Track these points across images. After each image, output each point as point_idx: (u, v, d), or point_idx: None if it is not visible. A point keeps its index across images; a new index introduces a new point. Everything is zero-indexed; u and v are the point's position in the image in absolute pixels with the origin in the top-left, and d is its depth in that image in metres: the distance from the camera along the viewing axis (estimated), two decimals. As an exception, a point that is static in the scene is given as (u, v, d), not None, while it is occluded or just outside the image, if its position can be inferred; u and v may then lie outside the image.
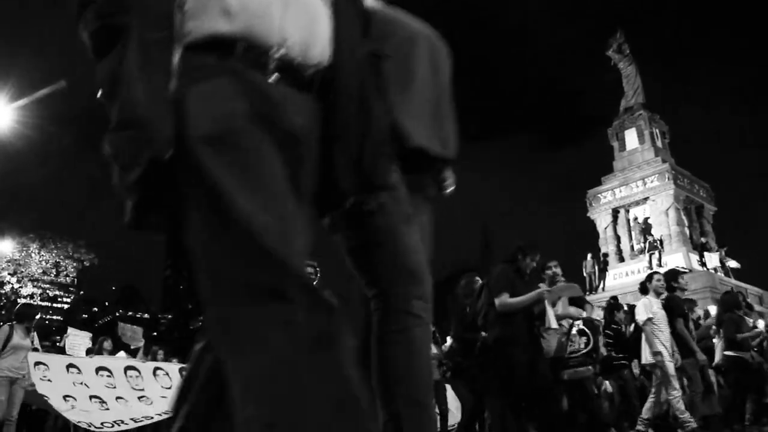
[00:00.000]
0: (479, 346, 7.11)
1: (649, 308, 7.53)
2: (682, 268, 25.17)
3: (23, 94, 17.46)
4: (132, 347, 12.47)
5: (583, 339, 7.47)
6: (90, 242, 32.09)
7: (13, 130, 18.36)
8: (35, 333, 9.67)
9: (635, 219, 28.73)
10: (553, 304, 6.62)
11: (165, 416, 9.46)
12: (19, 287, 27.66)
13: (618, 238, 29.27)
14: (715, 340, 9.72)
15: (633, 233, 28.65)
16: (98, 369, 9.51)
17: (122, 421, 8.91)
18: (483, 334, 6.79)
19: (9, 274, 28.53)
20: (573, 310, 7.25)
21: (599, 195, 30.13)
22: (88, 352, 11.37)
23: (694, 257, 26.32)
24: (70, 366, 9.19)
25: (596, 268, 27.51)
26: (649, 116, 30.60)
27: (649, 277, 8.08)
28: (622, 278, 26.67)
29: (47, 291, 30.75)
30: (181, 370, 10.72)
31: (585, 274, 27.93)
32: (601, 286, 26.85)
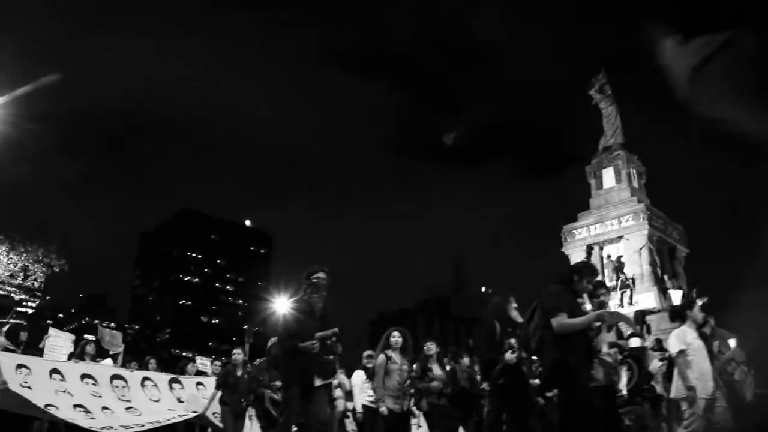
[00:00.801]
0: (499, 369, 7.02)
1: (682, 339, 7.08)
2: (653, 308, 25.46)
3: (3, 91, 17.28)
4: (111, 353, 11.79)
5: (627, 371, 7.07)
6: (61, 248, 31.47)
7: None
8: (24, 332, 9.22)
9: (609, 257, 29.00)
10: (608, 329, 6.34)
11: (157, 425, 9.18)
12: (-15, 289, 27.15)
13: (591, 275, 29.47)
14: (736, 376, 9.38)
15: (606, 270, 28.86)
16: (83, 376, 8.91)
17: (111, 428, 8.40)
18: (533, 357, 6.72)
19: (-26, 275, 28.02)
20: (623, 341, 6.84)
21: (574, 231, 30.41)
22: (70, 356, 10.69)
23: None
24: (53, 371, 8.59)
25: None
26: (627, 156, 31.07)
27: (690, 305, 7.59)
28: (593, 315, 26.80)
29: (13, 295, 30.06)
30: (171, 381, 10.27)
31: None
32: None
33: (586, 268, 6.12)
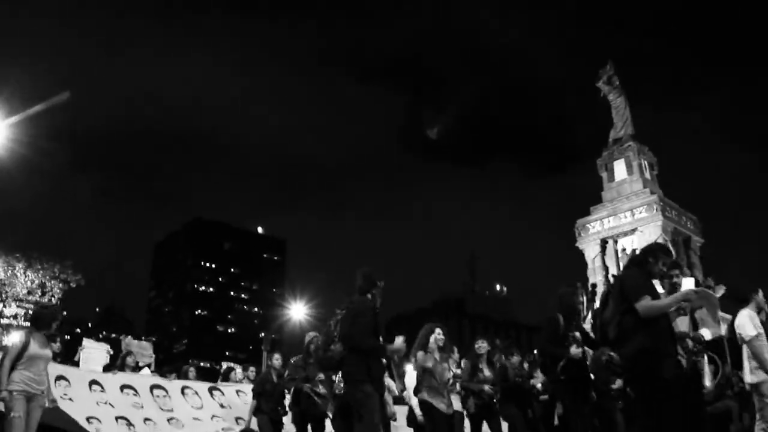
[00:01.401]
0: (562, 364, 6.76)
1: (754, 322, 6.77)
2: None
3: (15, 111, 17.43)
4: (140, 364, 11.25)
5: (709, 364, 6.49)
6: (77, 262, 31.73)
7: (4, 147, 18.30)
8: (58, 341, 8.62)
9: (623, 249, 28.86)
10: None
11: None
12: (3, 308, 27.37)
13: (606, 269, 29.38)
14: None
15: (621, 264, 28.74)
16: (123, 387, 8.67)
17: None
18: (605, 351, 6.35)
19: (-7, 293, 28.25)
20: (706, 330, 6.52)
21: (588, 225, 30.32)
22: (106, 368, 10.34)
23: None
24: (93, 383, 8.35)
25: (584, 298, 27.55)
26: (638, 148, 30.95)
27: (754, 288, 7.21)
28: (610, 308, 26.70)
29: (30, 311, 30.26)
30: (210, 389, 10.06)
31: (573, 304, 27.96)
32: (589, 316, 26.87)
33: (661, 250, 5.85)
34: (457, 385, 8.92)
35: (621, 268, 28.56)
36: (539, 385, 9.57)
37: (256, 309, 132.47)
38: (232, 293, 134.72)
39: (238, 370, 13.61)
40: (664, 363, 5.07)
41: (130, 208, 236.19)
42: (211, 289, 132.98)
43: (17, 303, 28.84)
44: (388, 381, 10.14)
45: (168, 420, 8.62)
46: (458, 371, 9.32)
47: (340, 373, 6.67)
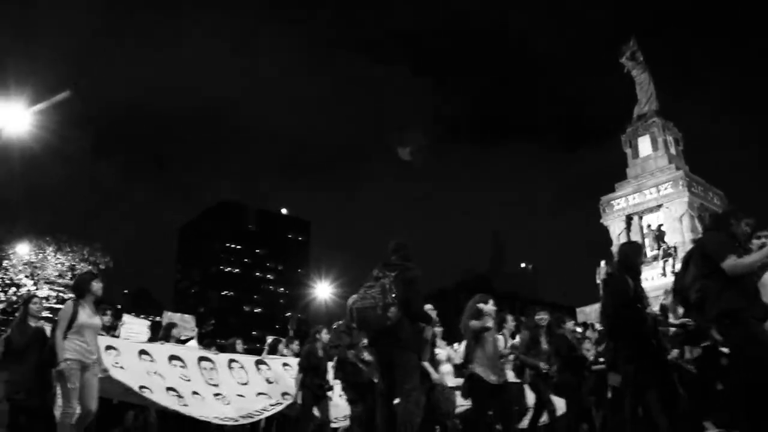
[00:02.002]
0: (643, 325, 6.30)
1: None
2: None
3: (41, 98, 17.71)
4: (182, 338, 10.67)
5: None
6: (105, 245, 32.22)
7: (31, 133, 18.60)
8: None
9: (649, 226, 28.67)
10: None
11: (249, 420, 8.75)
12: (36, 290, 27.88)
13: (631, 245, 29.16)
14: None
15: (646, 240, 28.55)
16: (171, 357, 8.48)
17: (206, 417, 8.03)
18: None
19: (26, 276, 28.81)
20: None
21: (612, 202, 30.09)
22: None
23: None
24: (142, 352, 8.18)
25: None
26: (663, 123, 30.57)
27: None
28: (635, 285, 26.56)
29: (61, 294, 30.87)
30: (257, 363, 9.87)
31: (598, 281, 27.85)
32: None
33: (740, 211, 5.62)
34: (509, 356, 8.75)
35: (645, 246, 28.39)
36: (591, 355, 9.47)
37: (281, 289, 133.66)
38: (257, 274, 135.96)
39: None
40: (751, 326, 4.91)
41: (154, 190, 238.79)
42: (237, 270, 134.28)
43: (49, 285, 29.40)
44: (449, 350, 9.82)
45: (214, 395, 8.48)
46: (514, 341, 9.15)
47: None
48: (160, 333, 10.12)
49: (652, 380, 6.26)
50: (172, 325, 10.28)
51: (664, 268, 26.24)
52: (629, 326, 6.30)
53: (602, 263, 28.04)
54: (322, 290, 42.52)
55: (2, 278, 28.19)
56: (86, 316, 6.72)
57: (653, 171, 29.38)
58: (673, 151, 30.33)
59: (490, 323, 7.65)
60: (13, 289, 28.31)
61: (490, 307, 7.72)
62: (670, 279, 25.99)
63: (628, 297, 6.36)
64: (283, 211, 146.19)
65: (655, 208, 28.59)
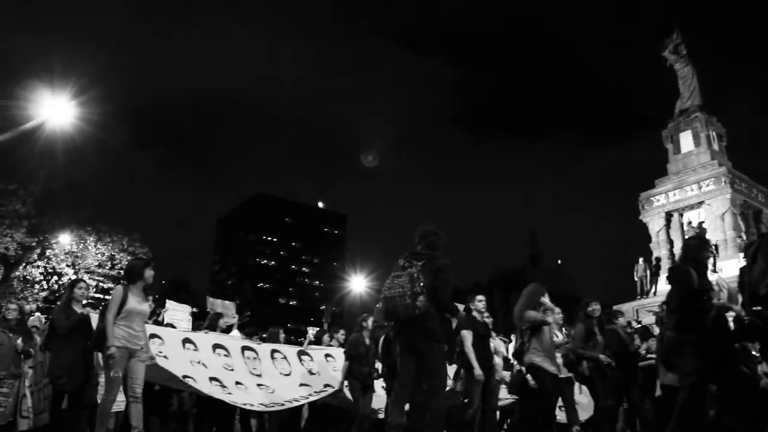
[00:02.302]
0: (703, 322, 6.05)
1: None
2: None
3: (84, 91, 18.06)
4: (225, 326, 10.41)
5: None
6: (143, 236, 32.75)
7: (74, 125, 18.98)
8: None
9: (689, 223, 28.12)
10: None
11: (295, 404, 8.73)
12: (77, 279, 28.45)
13: (671, 243, 28.70)
14: None
15: (687, 238, 28.05)
16: (215, 346, 8.42)
17: (251, 405, 8.04)
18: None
19: (67, 265, 29.42)
20: None
21: (652, 198, 29.59)
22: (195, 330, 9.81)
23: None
24: (186, 341, 8.13)
25: (648, 272, 27.04)
26: (706, 119, 29.94)
27: None
28: (675, 283, 26.14)
29: (101, 283, 31.47)
30: (299, 353, 9.70)
31: (636, 278, 27.51)
32: (653, 290, 26.36)
33: None
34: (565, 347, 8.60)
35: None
36: (643, 350, 9.34)
37: (317, 282, 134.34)
38: (293, 267, 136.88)
39: (313, 332, 12.94)
40: None
41: (193, 182, 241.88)
42: (273, 263, 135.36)
43: (89, 275, 29.96)
44: (497, 342, 9.77)
45: (258, 386, 8.41)
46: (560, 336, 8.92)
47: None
48: (205, 322, 10.03)
49: (714, 375, 6.06)
50: (218, 315, 10.16)
51: (705, 267, 25.73)
52: (692, 319, 6.10)
53: (640, 260, 27.66)
54: (357, 283, 42.68)
55: (45, 267, 28.80)
56: (135, 301, 6.67)
57: (695, 167, 28.81)
58: (716, 146, 29.70)
59: (550, 318, 7.65)
60: (55, 278, 28.93)
61: (548, 299, 7.72)
62: (711, 277, 25.51)
63: (693, 289, 6.16)
64: (320, 204, 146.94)
65: (696, 204, 28.06)
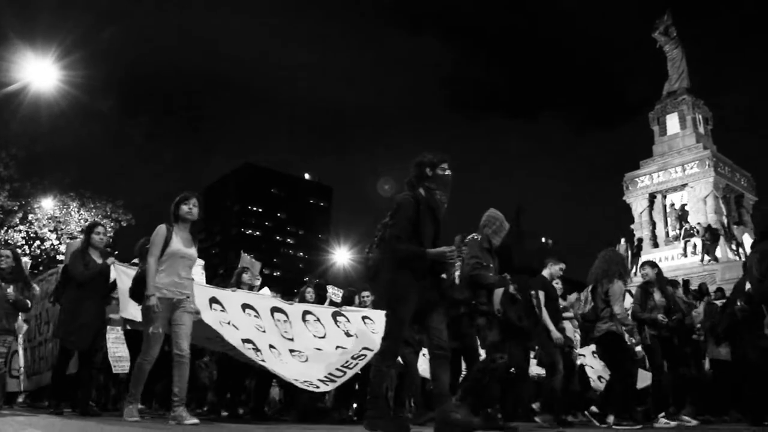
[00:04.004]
0: None
1: None
2: (719, 258, 24.84)
3: (68, 54, 17.81)
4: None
5: None
6: (128, 203, 32.45)
7: (58, 89, 18.75)
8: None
9: (672, 205, 28.37)
10: None
11: (331, 385, 7.41)
12: (59, 244, 28.22)
13: (653, 224, 28.95)
14: None
15: (669, 219, 28.31)
16: (244, 306, 7.59)
17: (285, 377, 7.01)
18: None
19: (50, 231, 29.17)
20: None
21: (636, 179, 29.77)
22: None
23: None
24: (212, 300, 7.19)
25: (629, 252, 27.28)
26: (693, 101, 30.05)
27: None
28: (655, 264, 26.40)
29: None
30: (334, 314, 8.65)
31: (617, 259, 27.68)
32: (633, 270, 26.62)
33: None
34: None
35: (667, 225, 28.10)
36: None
37: (301, 253, 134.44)
38: (278, 237, 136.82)
39: (333, 290, 12.10)
40: None
41: (179, 151, 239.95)
42: (258, 233, 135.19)
43: (71, 240, 29.70)
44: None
45: (290, 351, 7.51)
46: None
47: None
48: (232, 278, 9.23)
49: None
50: (244, 269, 9.37)
51: (685, 248, 26.03)
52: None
53: (622, 241, 27.87)
54: (341, 256, 42.79)
55: (27, 231, 28.56)
56: (180, 243, 5.78)
57: (680, 149, 28.99)
58: (701, 130, 29.84)
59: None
60: (38, 242, 28.70)
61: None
62: (691, 259, 25.84)
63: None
64: (306, 176, 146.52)
65: (679, 187, 28.27)
